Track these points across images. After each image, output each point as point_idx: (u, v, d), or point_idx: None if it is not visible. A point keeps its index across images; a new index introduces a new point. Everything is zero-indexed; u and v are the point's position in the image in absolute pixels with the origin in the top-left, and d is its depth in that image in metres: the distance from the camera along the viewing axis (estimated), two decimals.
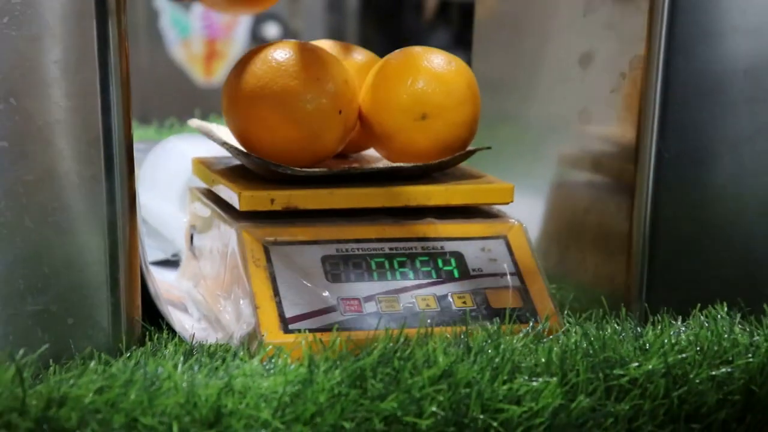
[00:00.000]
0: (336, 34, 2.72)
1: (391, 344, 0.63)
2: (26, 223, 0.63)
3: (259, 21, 2.74)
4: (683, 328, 0.69)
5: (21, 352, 0.58)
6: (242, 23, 2.75)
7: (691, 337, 0.67)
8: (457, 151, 0.77)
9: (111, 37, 0.64)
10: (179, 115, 1.51)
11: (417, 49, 0.78)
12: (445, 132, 0.75)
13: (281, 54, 0.74)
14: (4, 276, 0.62)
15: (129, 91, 0.67)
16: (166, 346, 0.68)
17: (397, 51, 0.78)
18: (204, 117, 1.28)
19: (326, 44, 0.82)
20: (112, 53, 0.65)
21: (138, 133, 0.68)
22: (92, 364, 0.61)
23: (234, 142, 0.77)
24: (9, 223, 0.62)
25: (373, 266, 0.72)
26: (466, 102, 0.76)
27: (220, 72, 2.72)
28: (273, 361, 0.63)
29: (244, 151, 0.75)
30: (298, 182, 0.74)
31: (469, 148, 0.78)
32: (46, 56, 0.62)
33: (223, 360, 0.64)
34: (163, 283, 0.82)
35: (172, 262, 0.92)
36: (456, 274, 0.73)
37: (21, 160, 0.62)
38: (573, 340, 0.66)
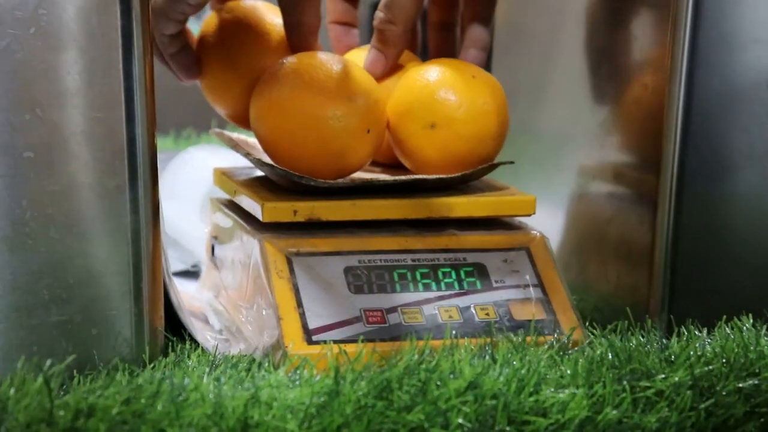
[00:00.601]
0: None
1: (416, 356, 0.63)
2: (51, 234, 0.63)
3: None
4: (708, 340, 0.69)
5: (48, 362, 0.57)
6: None
7: (717, 349, 0.67)
8: (471, 164, 0.76)
9: (135, 47, 0.65)
10: (196, 126, 1.51)
11: (440, 61, 0.78)
12: (456, 144, 0.75)
13: (314, 68, 0.73)
14: (29, 286, 0.62)
15: (153, 102, 0.66)
16: (189, 357, 0.68)
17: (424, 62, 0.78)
18: (221, 127, 1.28)
19: (363, 52, 0.80)
20: (136, 63, 0.65)
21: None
22: (118, 375, 0.61)
23: (256, 152, 0.77)
24: (34, 233, 0.62)
25: (396, 278, 0.71)
26: (483, 115, 0.75)
27: None
28: (298, 372, 0.63)
29: (267, 162, 0.75)
30: (320, 193, 0.73)
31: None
32: (72, 67, 0.62)
33: (248, 371, 0.64)
34: (184, 293, 0.82)
35: (191, 273, 0.92)
36: (478, 285, 0.72)
37: (46, 171, 0.62)
38: (599, 352, 0.65)
